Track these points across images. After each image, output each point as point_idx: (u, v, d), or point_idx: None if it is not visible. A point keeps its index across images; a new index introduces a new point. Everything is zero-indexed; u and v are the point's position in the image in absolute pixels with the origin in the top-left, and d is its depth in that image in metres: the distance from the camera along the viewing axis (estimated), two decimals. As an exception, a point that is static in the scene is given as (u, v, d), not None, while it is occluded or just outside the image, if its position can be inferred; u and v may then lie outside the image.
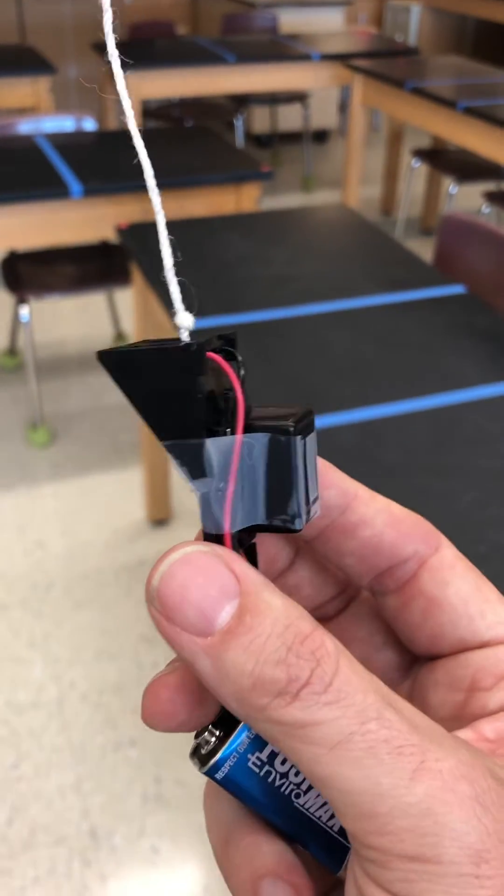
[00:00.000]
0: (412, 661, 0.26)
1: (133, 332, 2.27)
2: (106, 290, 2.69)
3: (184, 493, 2.24)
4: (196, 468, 0.22)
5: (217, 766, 0.22)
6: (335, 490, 0.25)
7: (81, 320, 3.23)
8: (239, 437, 0.22)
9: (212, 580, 0.20)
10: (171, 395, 0.22)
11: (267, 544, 0.26)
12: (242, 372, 0.23)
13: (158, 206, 0.23)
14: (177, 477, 2.14)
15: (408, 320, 1.54)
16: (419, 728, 0.19)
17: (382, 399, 1.30)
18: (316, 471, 0.24)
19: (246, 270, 1.67)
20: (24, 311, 2.42)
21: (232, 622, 0.20)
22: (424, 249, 2.79)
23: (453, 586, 0.24)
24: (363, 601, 0.27)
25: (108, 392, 2.77)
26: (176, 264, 0.22)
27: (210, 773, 0.22)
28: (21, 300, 2.42)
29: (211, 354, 0.22)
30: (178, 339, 0.22)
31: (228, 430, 0.22)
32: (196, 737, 0.23)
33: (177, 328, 0.23)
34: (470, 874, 0.18)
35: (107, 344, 3.03)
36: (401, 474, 1.16)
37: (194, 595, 0.20)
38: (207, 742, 0.23)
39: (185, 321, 0.23)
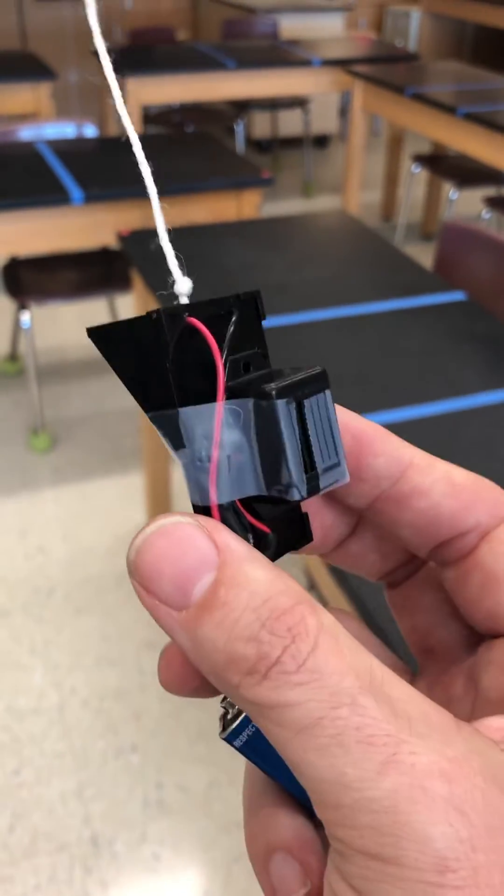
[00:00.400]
0: (480, 637, 0.25)
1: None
2: (107, 296, 2.69)
3: (185, 498, 2.24)
4: (177, 438, 0.22)
5: (236, 733, 0.22)
6: (385, 458, 0.23)
7: (82, 326, 3.23)
8: (219, 404, 0.21)
9: (188, 552, 0.19)
10: (148, 365, 0.22)
11: (323, 513, 0.25)
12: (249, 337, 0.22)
13: (150, 180, 0.23)
14: (178, 482, 2.15)
15: (409, 327, 1.54)
16: (405, 717, 0.18)
17: (384, 406, 1.31)
18: (332, 434, 0.23)
19: (247, 277, 1.68)
20: (26, 317, 2.42)
21: (207, 595, 0.19)
22: (424, 255, 2.80)
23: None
24: (431, 569, 0.26)
25: (109, 397, 2.77)
26: (172, 246, 0.23)
27: (229, 740, 0.22)
28: (22, 306, 2.42)
29: (192, 320, 0.21)
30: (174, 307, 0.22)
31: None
32: (221, 702, 0.23)
33: (177, 295, 0.23)
34: (432, 882, 0.16)
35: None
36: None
37: (169, 567, 0.19)
38: (232, 706, 0.22)
39: (183, 287, 0.23)
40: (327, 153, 5.43)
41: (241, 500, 0.22)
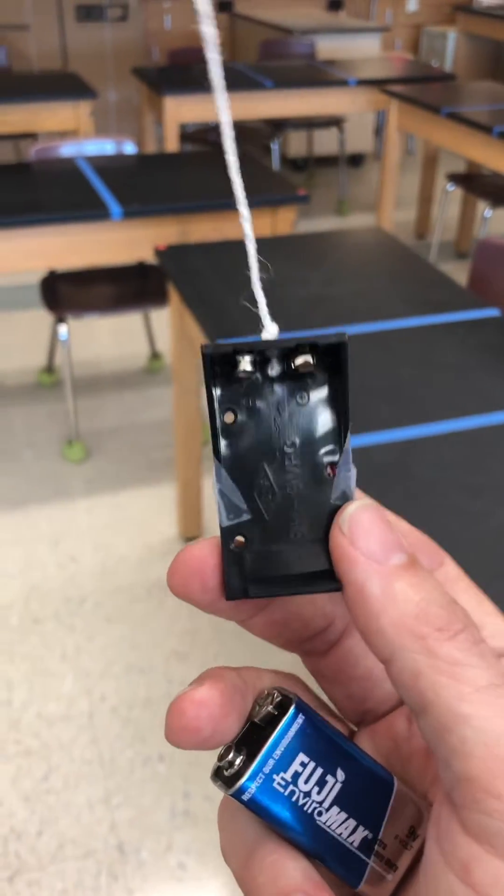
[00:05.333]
0: None
1: (169, 352, 2.30)
2: (142, 310, 2.73)
3: (216, 510, 2.26)
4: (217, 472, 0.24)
5: (244, 788, 0.22)
6: None
7: (118, 339, 3.27)
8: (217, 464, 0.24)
9: (390, 529, 0.22)
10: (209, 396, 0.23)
11: None
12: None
13: (249, 231, 0.24)
14: (209, 494, 2.16)
15: (442, 342, 1.55)
16: None
17: (418, 420, 1.31)
18: None
19: (281, 292, 1.69)
20: (63, 329, 2.46)
21: (406, 562, 0.22)
22: (459, 273, 2.80)
23: (457, 599, 0.24)
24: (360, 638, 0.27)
25: (142, 410, 2.80)
26: (259, 280, 0.24)
27: (237, 795, 0.22)
28: (60, 319, 2.46)
29: (204, 352, 0.23)
30: (259, 343, 0.23)
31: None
32: (219, 759, 0.23)
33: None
34: None
35: (142, 363, 3.07)
36: (435, 492, 1.16)
37: (377, 531, 0.22)
38: (231, 764, 0.22)
39: (269, 333, 0.24)
40: (362, 172, 5.46)
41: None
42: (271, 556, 0.24)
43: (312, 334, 0.23)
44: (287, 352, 0.23)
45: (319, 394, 0.24)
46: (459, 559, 0.27)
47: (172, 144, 3.73)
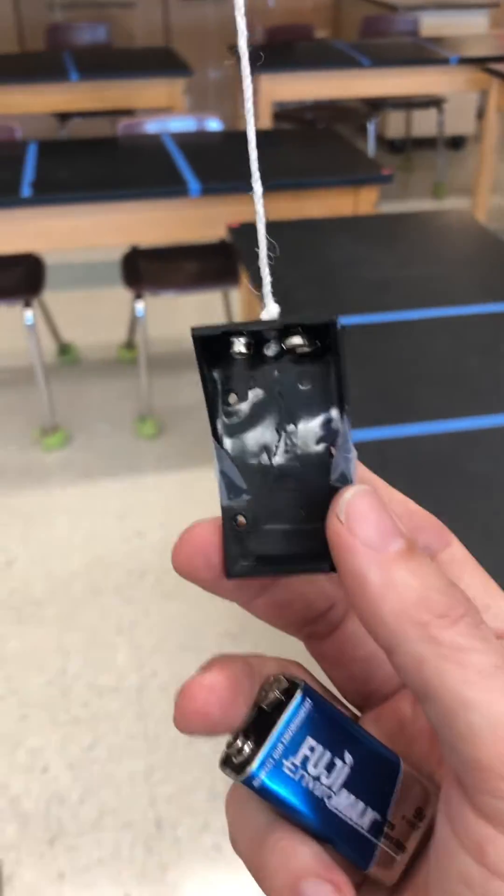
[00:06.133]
0: None
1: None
2: (220, 289, 2.72)
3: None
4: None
5: (254, 775, 0.22)
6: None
7: (200, 318, 3.27)
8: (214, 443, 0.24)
9: (388, 516, 0.22)
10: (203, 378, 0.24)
11: None
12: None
13: (260, 206, 0.24)
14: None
15: (515, 331, 1.48)
16: None
17: (478, 410, 1.26)
18: None
19: (352, 272, 1.65)
20: (140, 306, 2.47)
21: (404, 548, 0.21)
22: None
23: (464, 581, 0.24)
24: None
25: (217, 389, 2.79)
26: (274, 260, 0.24)
27: (247, 782, 0.22)
28: (137, 296, 2.48)
29: (195, 336, 0.23)
30: (252, 322, 0.23)
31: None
32: (227, 746, 0.23)
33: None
34: None
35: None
36: (490, 487, 1.11)
37: (374, 517, 0.22)
38: (240, 751, 0.23)
39: (270, 313, 0.24)
40: (463, 155, 5.29)
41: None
42: (271, 535, 0.24)
43: (305, 315, 0.23)
44: (283, 333, 0.23)
45: (319, 375, 0.23)
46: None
47: (265, 122, 3.69)
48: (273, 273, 0.24)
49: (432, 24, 4.85)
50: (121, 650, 1.86)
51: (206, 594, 0.25)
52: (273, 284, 0.24)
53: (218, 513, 0.25)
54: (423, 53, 3.92)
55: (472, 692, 0.20)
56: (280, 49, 4.16)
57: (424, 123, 4.97)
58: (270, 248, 0.24)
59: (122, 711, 1.71)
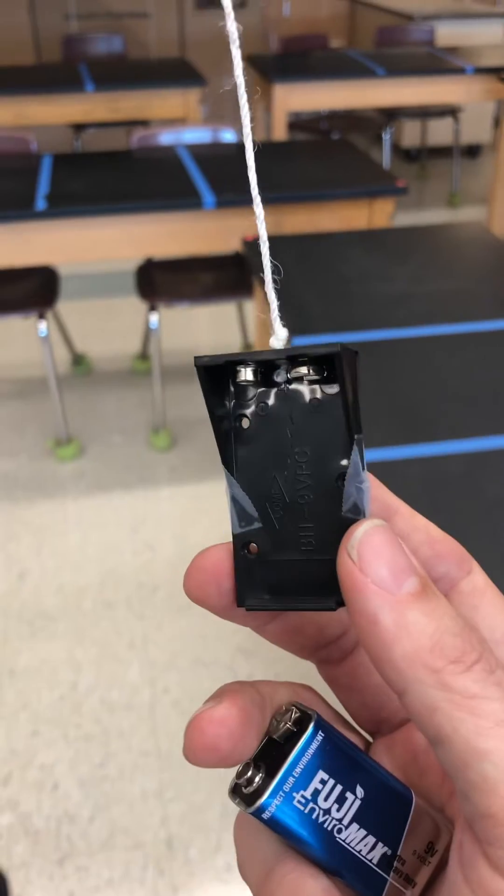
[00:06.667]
0: None
1: (255, 344, 2.27)
2: (234, 301, 2.71)
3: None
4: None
5: (264, 807, 0.22)
6: (377, 503, 0.24)
7: (214, 329, 3.27)
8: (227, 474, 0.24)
9: (401, 552, 0.21)
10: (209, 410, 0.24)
11: None
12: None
13: (263, 233, 0.24)
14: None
15: (532, 347, 1.46)
16: None
17: (498, 430, 1.24)
18: None
19: (365, 287, 1.64)
20: (154, 317, 2.47)
21: (418, 589, 0.21)
22: None
23: (482, 611, 0.24)
24: None
25: (230, 401, 2.79)
26: (285, 277, 0.24)
27: (257, 814, 0.22)
28: (151, 307, 2.47)
29: (199, 365, 0.23)
30: (255, 353, 0.23)
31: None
32: (237, 776, 0.23)
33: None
34: None
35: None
36: (505, 510, 1.09)
37: (388, 556, 0.21)
38: (251, 781, 0.22)
39: (279, 337, 0.24)
40: (478, 164, 5.27)
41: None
42: (283, 565, 0.24)
43: (310, 343, 0.23)
44: (290, 361, 0.23)
45: (330, 402, 0.23)
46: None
47: (280, 133, 3.69)
48: (283, 291, 0.23)
49: (448, 33, 4.83)
50: (133, 666, 1.84)
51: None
52: (286, 299, 0.24)
53: (230, 533, 0.25)
54: (439, 63, 3.91)
55: (485, 742, 0.19)
56: (295, 58, 4.16)
57: (440, 132, 4.95)
58: (275, 270, 0.23)
59: (135, 728, 1.70)
